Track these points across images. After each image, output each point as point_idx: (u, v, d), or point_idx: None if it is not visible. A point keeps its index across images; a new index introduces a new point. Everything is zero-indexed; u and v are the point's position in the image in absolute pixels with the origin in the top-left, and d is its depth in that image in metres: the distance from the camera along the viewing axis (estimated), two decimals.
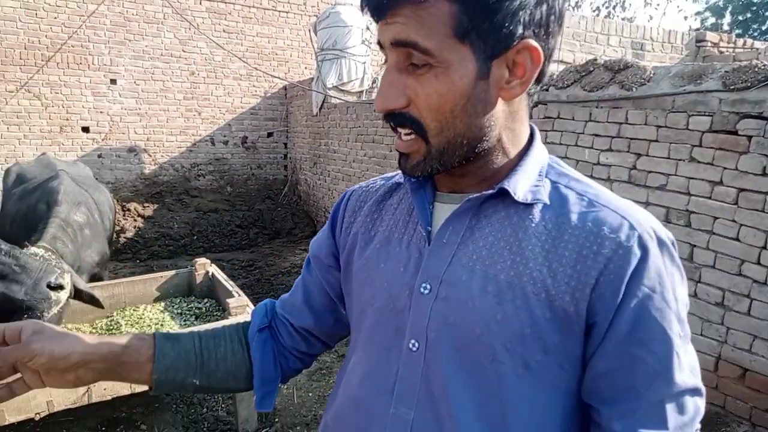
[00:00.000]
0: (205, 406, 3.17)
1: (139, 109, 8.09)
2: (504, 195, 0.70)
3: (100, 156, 7.92)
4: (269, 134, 9.20)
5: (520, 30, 0.64)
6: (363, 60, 7.30)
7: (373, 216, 0.85)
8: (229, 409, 3.13)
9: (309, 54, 8.67)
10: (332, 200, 7.56)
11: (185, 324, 3.08)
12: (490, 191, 0.70)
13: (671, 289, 0.65)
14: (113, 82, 7.85)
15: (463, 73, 0.65)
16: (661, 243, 0.66)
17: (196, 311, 3.28)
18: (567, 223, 0.67)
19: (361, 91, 7.33)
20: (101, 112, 7.85)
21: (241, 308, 2.90)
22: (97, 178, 4.76)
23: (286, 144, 9.35)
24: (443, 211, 0.75)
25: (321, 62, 7.28)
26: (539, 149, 0.75)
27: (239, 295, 3.05)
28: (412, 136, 0.69)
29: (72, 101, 7.64)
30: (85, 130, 7.81)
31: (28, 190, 3.59)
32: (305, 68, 9.02)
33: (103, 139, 7.94)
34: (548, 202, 0.69)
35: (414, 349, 0.72)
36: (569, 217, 0.68)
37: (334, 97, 7.15)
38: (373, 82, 7.47)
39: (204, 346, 0.88)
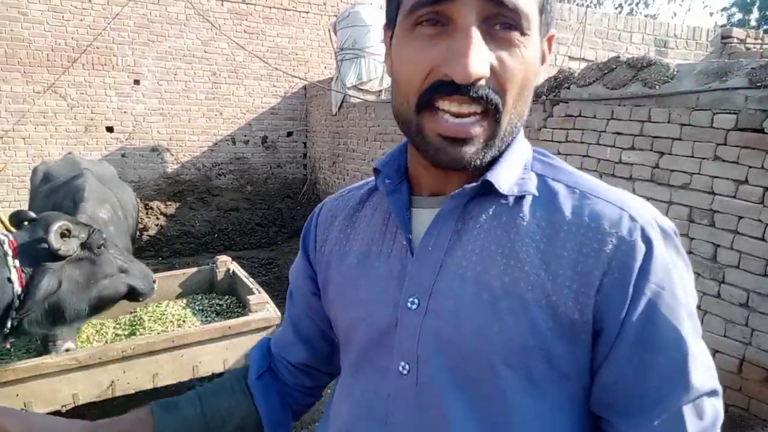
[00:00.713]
0: None
1: (162, 109, 8.22)
2: (489, 192, 0.64)
3: (123, 155, 8.06)
4: (289, 134, 9.26)
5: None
6: (382, 59, 7.31)
7: (346, 231, 0.77)
8: None
9: (329, 54, 8.71)
10: None
11: (206, 320, 3.12)
12: (473, 184, 0.64)
13: (680, 283, 0.59)
14: (137, 82, 7.98)
15: (538, 46, 0.62)
16: (665, 234, 0.61)
17: (217, 308, 3.33)
18: (561, 219, 0.62)
19: (380, 91, 7.34)
20: (125, 112, 7.99)
21: (261, 305, 2.93)
22: (120, 177, 4.84)
23: (305, 143, 9.41)
24: (423, 216, 0.69)
25: (340, 62, 7.31)
26: (522, 142, 0.70)
27: (259, 292, 3.08)
28: (478, 116, 0.60)
29: (97, 101, 7.80)
30: (110, 129, 7.96)
31: (54, 188, 3.66)
32: (325, 68, 9.07)
33: (126, 139, 8.08)
34: (536, 194, 0.64)
35: (404, 372, 0.65)
36: (563, 213, 0.62)
37: (354, 97, 7.18)
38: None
39: (206, 409, 0.82)
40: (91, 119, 7.82)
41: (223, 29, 7.90)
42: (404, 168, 0.74)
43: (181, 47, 8.16)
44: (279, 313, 2.92)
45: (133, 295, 2.45)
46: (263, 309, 2.93)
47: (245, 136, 8.91)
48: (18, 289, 1.88)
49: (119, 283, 2.33)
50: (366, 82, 7.21)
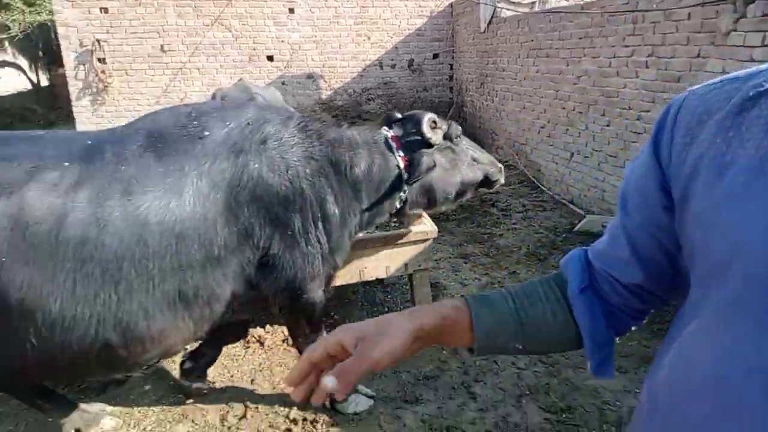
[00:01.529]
0: (386, 307, 3.48)
1: (315, 36, 8.53)
2: None
3: (283, 83, 8.60)
4: (435, 56, 9.15)
5: None
6: None
7: (726, 134, 0.59)
8: None
9: None
10: (500, 122, 7.38)
11: (368, 231, 3.34)
12: None
13: None
14: (291, 11, 8.34)
15: None
16: None
17: None
18: None
19: (534, 1, 6.87)
20: (282, 41, 8.44)
21: (418, 218, 3.08)
22: None
23: (451, 65, 9.24)
24: None
25: None
26: None
27: None
28: None
29: (257, 32, 8.32)
30: (270, 58, 8.50)
31: None
32: None
33: (285, 67, 8.58)
34: None
35: None
36: None
37: (505, 9, 6.81)
38: None
39: (519, 308, 0.80)
40: (254, 49, 8.38)
41: None
42: None
43: None
44: (435, 227, 3.03)
45: (486, 181, 2.67)
46: (420, 223, 3.06)
47: (392, 60, 8.97)
48: (404, 172, 2.33)
49: (476, 170, 2.60)
50: None
